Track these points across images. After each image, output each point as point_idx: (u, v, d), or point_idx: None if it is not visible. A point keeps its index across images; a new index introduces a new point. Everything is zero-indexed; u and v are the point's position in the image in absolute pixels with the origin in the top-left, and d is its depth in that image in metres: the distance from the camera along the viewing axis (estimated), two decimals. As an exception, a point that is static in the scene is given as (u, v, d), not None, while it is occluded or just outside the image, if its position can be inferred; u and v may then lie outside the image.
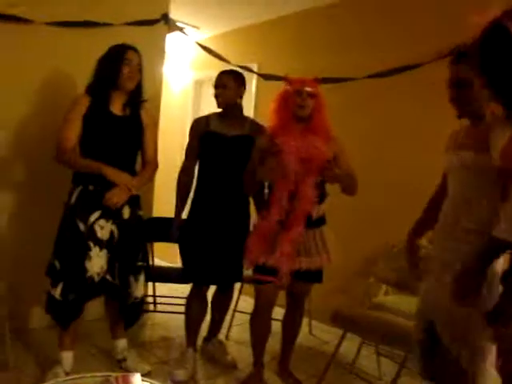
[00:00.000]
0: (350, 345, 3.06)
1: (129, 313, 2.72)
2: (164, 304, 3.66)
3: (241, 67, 3.87)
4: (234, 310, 3.55)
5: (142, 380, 1.72)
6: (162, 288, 3.75)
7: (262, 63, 4.44)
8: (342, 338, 2.71)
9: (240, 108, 2.91)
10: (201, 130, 2.86)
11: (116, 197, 2.49)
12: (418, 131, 3.31)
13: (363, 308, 2.95)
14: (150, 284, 3.50)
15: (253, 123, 2.93)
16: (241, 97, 2.89)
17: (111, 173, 2.49)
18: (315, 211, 2.57)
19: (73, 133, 2.55)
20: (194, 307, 2.92)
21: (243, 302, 3.59)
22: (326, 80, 3.74)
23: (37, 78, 3.18)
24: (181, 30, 4.14)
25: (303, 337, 3.36)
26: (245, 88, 2.92)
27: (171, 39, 4.47)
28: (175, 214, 2.92)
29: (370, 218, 3.50)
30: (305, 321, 3.54)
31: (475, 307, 1.67)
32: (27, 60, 3.10)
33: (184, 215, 2.95)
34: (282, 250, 2.50)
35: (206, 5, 4.23)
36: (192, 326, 2.95)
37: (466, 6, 3.13)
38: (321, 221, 2.64)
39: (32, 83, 3.16)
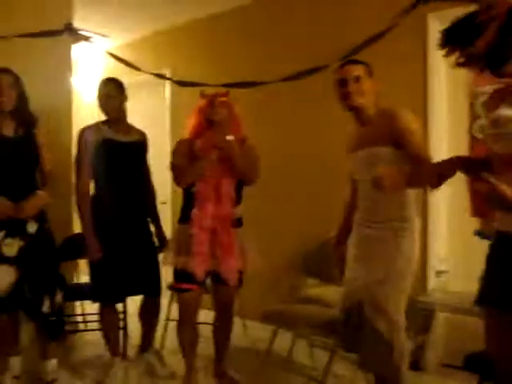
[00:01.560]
0: (285, 340, 3.16)
1: (51, 323, 2.74)
2: (93, 322, 3.55)
3: (154, 74, 3.83)
4: (167, 319, 3.51)
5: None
6: (90, 307, 3.64)
7: (175, 69, 4.43)
8: (275, 334, 2.78)
9: (125, 115, 2.97)
10: (95, 138, 2.84)
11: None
12: (329, 128, 3.46)
13: (291, 302, 3.04)
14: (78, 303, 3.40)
15: (136, 129, 3.03)
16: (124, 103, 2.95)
17: None
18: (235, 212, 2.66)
19: None
20: (106, 320, 2.96)
21: (175, 310, 3.56)
22: (237, 85, 3.81)
23: None
24: (87, 39, 4.04)
25: (237, 337, 3.38)
26: (126, 94, 2.95)
27: (80, 49, 4.36)
28: (88, 232, 2.85)
29: (292, 215, 3.62)
30: (238, 321, 3.60)
31: None
32: None
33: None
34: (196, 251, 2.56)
35: (114, 13, 4.15)
36: (110, 337, 2.98)
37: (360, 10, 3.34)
38: (239, 223, 2.72)
39: None
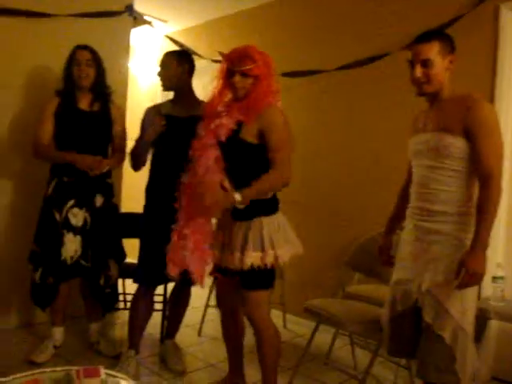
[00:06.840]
0: (325, 337, 3.05)
1: (106, 296, 2.84)
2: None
3: (213, 61, 3.81)
4: (206, 305, 3.48)
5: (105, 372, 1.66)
6: (132, 286, 3.65)
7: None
8: (316, 329, 2.68)
9: (190, 89, 2.78)
10: (155, 115, 2.68)
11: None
12: (386, 124, 3.33)
13: (336, 298, 2.93)
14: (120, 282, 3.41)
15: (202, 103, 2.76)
16: (187, 76, 2.74)
17: (77, 158, 2.63)
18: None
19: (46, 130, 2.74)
20: (140, 307, 2.74)
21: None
22: (296, 73, 3.75)
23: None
24: (148, 23, 4.07)
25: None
26: (190, 66, 2.74)
27: (138, 33, 4.40)
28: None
29: (340, 209, 3.51)
30: (279, 314, 3.54)
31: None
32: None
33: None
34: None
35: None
36: (136, 326, 2.76)
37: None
38: (254, 212, 2.23)
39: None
